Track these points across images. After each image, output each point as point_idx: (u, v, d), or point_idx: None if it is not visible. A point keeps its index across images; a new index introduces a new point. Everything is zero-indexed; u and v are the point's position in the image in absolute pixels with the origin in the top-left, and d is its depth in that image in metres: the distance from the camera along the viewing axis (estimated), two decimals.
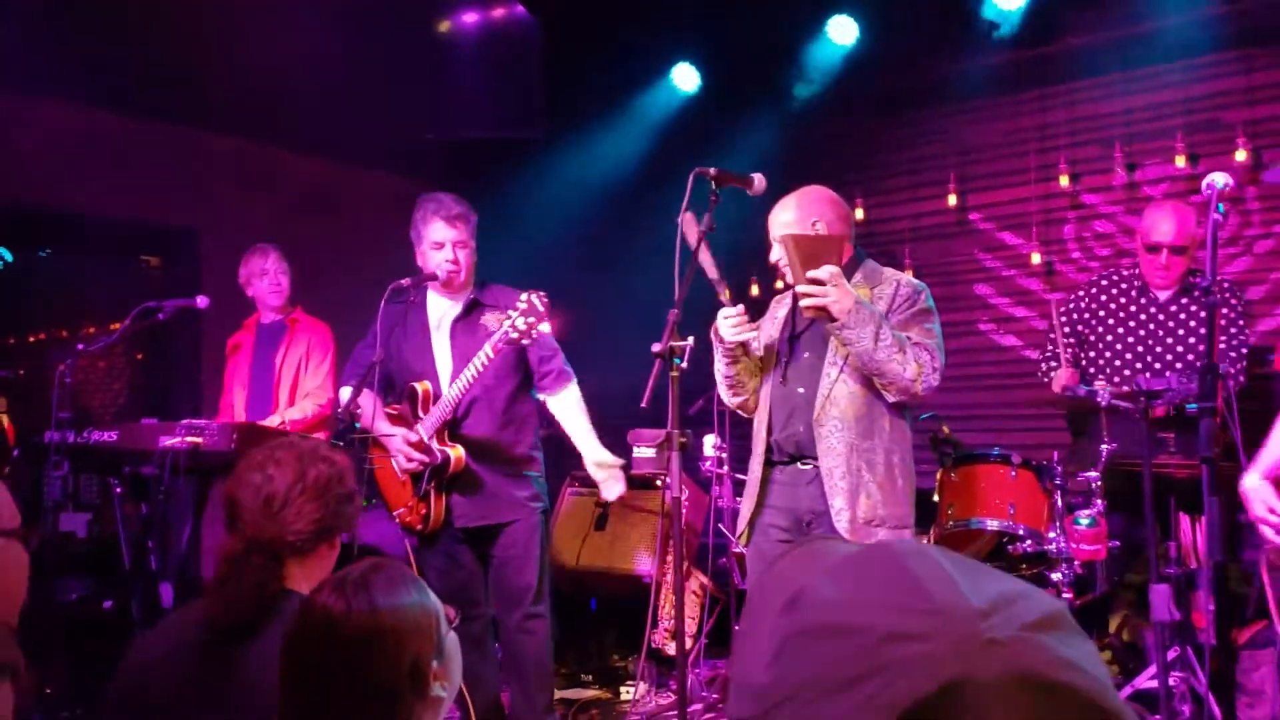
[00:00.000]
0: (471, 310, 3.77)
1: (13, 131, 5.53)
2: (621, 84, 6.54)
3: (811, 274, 2.94)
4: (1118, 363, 4.39)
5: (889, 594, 0.67)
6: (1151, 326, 4.35)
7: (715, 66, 6.35)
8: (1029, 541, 4.04)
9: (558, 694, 4.92)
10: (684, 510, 4.74)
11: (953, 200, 6.04)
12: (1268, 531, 3.01)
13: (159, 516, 4.05)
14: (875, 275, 3.28)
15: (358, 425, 3.41)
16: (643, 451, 2.98)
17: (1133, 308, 4.41)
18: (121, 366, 8.13)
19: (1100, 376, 4.39)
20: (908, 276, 3.30)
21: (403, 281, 3.68)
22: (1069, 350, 4.56)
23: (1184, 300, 4.29)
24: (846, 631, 0.65)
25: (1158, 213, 4.30)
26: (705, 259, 3.05)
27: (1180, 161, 5.31)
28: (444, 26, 6.19)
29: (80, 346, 4.27)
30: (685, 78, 6.41)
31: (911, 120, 6.30)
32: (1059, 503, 4.04)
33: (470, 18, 6.17)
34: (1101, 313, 4.49)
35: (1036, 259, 5.77)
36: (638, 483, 4.69)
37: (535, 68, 6.29)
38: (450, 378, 3.66)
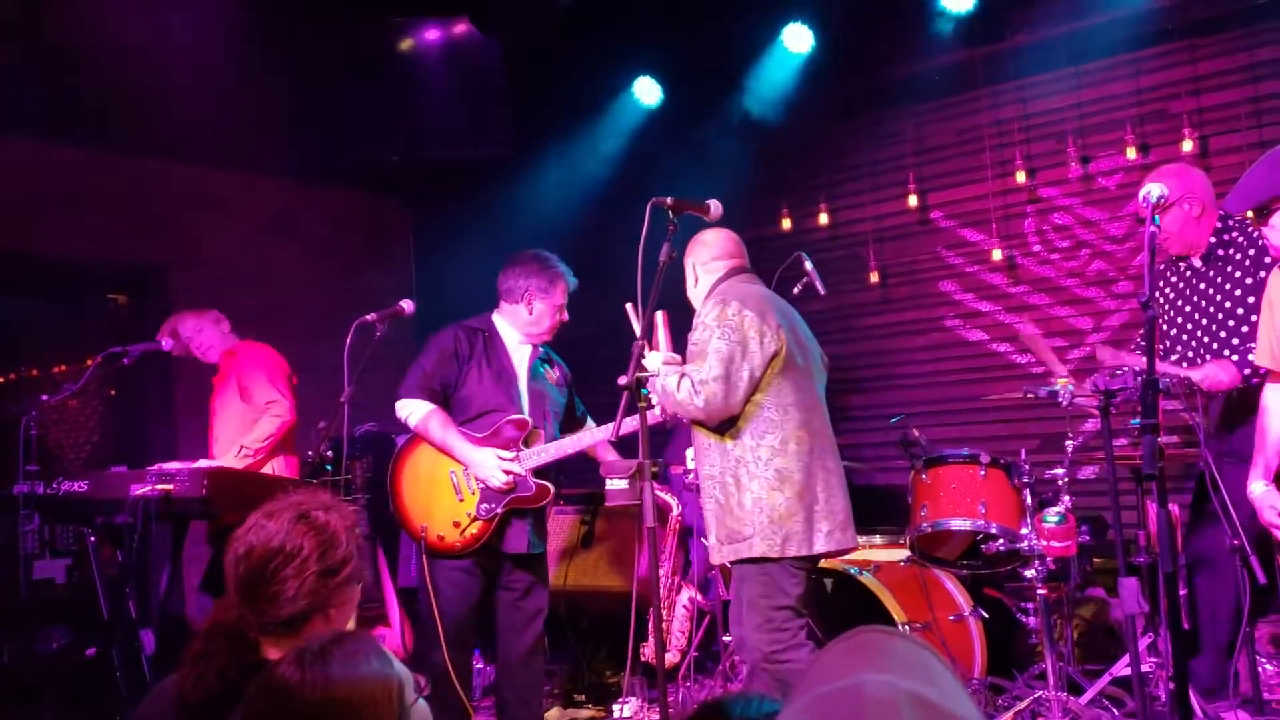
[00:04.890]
0: (543, 360, 4.19)
1: None
2: (585, 100, 6.58)
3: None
4: (1172, 344, 4.18)
5: None
6: (1195, 299, 4.10)
7: (675, 79, 6.40)
8: (1002, 540, 4.09)
9: (551, 714, 4.98)
10: (675, 523, 4.81)
11: (913, 200, 6.10)
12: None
13: (135, 564, 4.05)
14: (704, 308, 3.41)
15: (329, 468, 3.42)
16: (615, 483, 3.02)
17: (1179, 283, 4.18)
18: (94, 406, 8.08)
19: (1171, 359, 4.15)
20: (711, 302, 3.38)
21: (368, 317, 3.80)
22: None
23: (1218, 257, 4.01)
24: None
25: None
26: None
27: (1131, 153, 5.39)
28: (406, 45, 6.20)
29: (44, 398, 4.26)
30: (647, 91, 6.44)
31: (869, 123, 6.36)
32: (1029, 499, 4.10)
33: (431, 37, 6.19)
34: (1160, 298, 4.23)
35: (998, 255, 5.83)
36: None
37: (499, 86, 6.31)
38: (532, 419, 3.99)
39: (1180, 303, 4.15)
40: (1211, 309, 4.03)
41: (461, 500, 3.91)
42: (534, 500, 3.95)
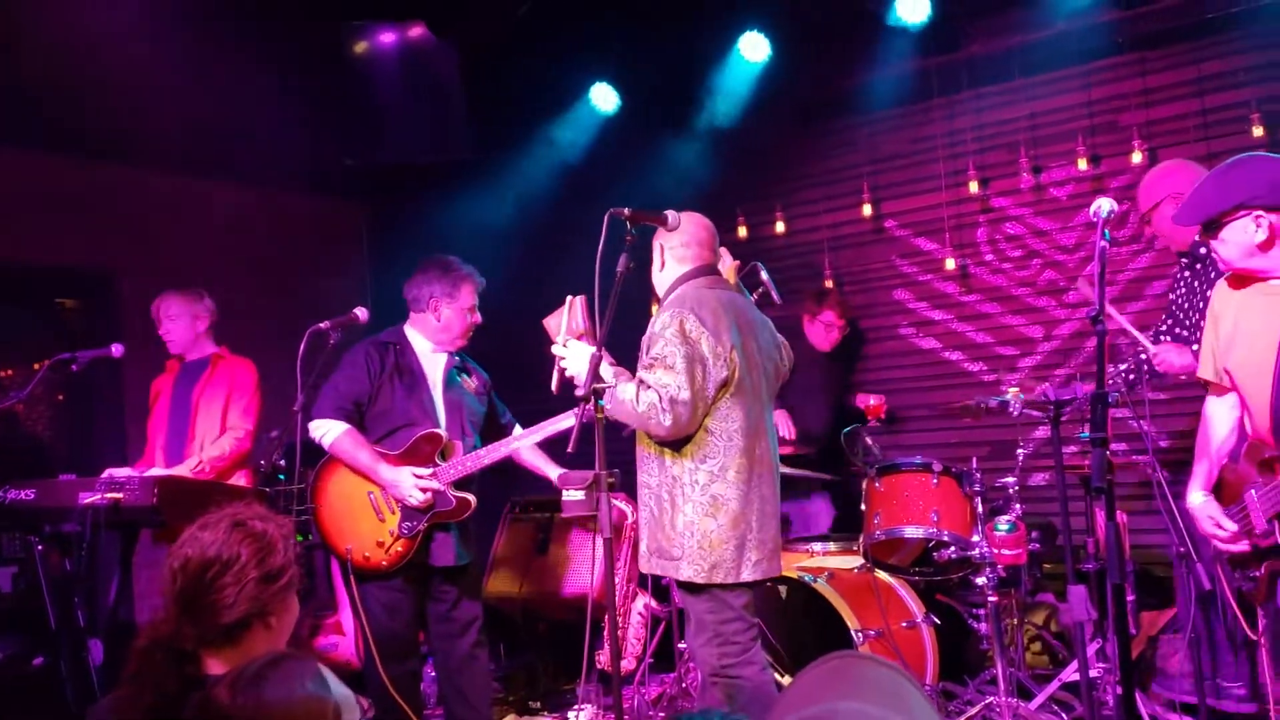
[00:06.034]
0: (459, 369, 4.14)
1: None
2: (542, 105, 6.56)
3: (557, 346, 3.33)
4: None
5: None
6: (1187, 292, 4.24)
7: (632, 86, 6.40)
8: (954, 547, 4.15)
9: None
10: (630, 532, 4.82)
11: (868, 209, 6.16)
12: (1219, 543, 3.10)
13: (83, 573, 3.98)
14: (661, 317, 3.26)
15: (282, 477, 3.40)
16: (572, 494, 3.00)
17: (1184, 276, 4.31)
18: (41, 411, 7.95)
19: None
20: (670, 313, 3.22)
21: (321, 325, 3.79)
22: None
23: (1200, 256, 4.12)
24: None
25: None
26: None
27: (1083, 164, 5.47)
28: (361, 49, 6.15)
29: None
30: (604, 98, 6.44)
31: (824, 132, 6.41)
32: (980, 507, 4.16)
33: (387, 41, 6.14)
34: (1176, 294, 4.38)
35: (951, 264, 5.90)
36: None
37: (455, 91, 6.28)
38: (449, 431, 3.96)
39: (1180, 295, 4.26)
40: (1187, 306, 4.18)
41: (383, 520, 3.89)
42: (455, 514, 3.91)
